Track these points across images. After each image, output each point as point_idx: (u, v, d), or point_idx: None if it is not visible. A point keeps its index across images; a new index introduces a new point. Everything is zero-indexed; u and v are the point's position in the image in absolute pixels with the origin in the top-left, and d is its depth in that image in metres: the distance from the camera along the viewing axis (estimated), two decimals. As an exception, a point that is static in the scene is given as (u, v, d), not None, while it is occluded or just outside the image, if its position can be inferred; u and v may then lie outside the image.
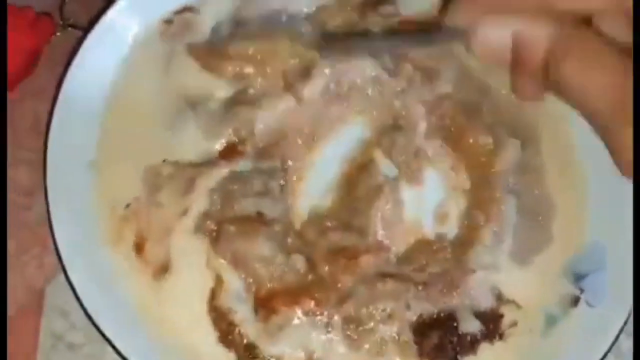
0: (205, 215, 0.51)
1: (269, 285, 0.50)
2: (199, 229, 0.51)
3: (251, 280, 0.50)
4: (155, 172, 0.52)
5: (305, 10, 0.55)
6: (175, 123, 0.53)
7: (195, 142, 0.52)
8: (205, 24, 0.55)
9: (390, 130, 0.53)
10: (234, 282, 0.50)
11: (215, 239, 0.50)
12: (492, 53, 0.41)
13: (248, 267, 0.50)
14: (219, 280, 0.50)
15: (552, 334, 0.51)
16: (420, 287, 0.50)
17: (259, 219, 0.50)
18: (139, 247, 0.51)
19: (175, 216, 0.51)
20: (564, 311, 0.51)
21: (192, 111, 0.52)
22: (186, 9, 0.56)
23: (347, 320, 0.50)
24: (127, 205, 0.51)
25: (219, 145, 0.52)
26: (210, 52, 0.53)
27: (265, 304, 0.50)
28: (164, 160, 0.52)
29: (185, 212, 0.51)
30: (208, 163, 0.52)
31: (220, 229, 0.50)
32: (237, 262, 0.50)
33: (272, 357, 0.50)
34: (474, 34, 0.41)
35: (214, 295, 0.50)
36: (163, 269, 0.50)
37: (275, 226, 0.51)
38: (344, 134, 0.54)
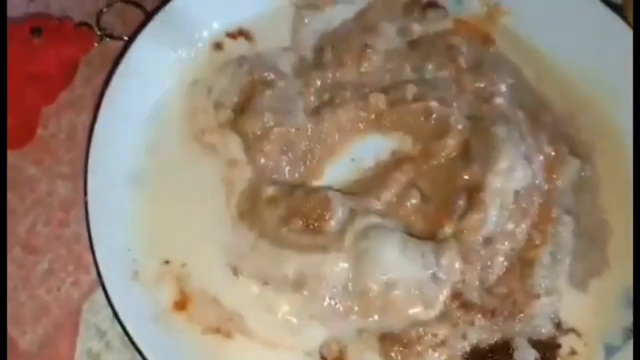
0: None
1: None
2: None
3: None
4: None
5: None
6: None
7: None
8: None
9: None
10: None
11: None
12: None
13: None
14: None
15: (612, 363, 0.49)
16: (488, 316, 0.48)
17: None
18: (180, 305, 0.49)
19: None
20: (624, 341, 0.49)
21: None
22: (241, 33, 0.55)
23: (392, 340, 0.48)
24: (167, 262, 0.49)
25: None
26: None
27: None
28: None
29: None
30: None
31: None
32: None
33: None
34: None
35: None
36: (221, 333, 0.48)
37: None
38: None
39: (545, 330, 0.49)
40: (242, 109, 0.52)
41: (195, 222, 0.50)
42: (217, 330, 0.48)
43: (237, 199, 0.50)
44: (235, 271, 0.49)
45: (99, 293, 0.50)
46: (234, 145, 0.52)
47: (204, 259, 0.49)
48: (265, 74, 0.53)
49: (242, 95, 0.52)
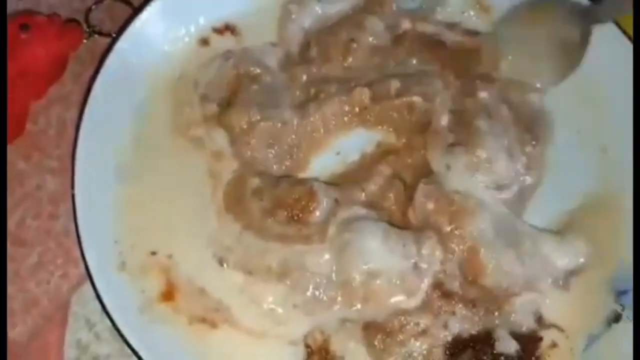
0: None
1: None
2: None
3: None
4: None
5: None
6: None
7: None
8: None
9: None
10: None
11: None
12: None
13: None
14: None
15: (592, 351, 0.49)
16: (469, 306, 0.49)
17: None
18: (167, 296, 0.49)
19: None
20: (605, 328, 0.50)
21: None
22: (227, 28, 0.56)
23: (375, 329, 0.48)
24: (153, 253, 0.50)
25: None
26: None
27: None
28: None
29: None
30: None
31: None
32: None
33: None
34: None
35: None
36: (207, 323, 0.49)
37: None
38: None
39: (526, 324, 0.49)
40: (228, 103, 0.52)
41: (182, 213, 0.51)
42: (203, 321, 0.48)
43: (223, 191, 0.51)
44: (221, 262, 0.49)
45: (88, 285, 0.51)
46: (220, 138, 0.52)
47: (190, 250, 0.50)
48: (252, 68, 0.53)
49: (228, 89, 0.53)
